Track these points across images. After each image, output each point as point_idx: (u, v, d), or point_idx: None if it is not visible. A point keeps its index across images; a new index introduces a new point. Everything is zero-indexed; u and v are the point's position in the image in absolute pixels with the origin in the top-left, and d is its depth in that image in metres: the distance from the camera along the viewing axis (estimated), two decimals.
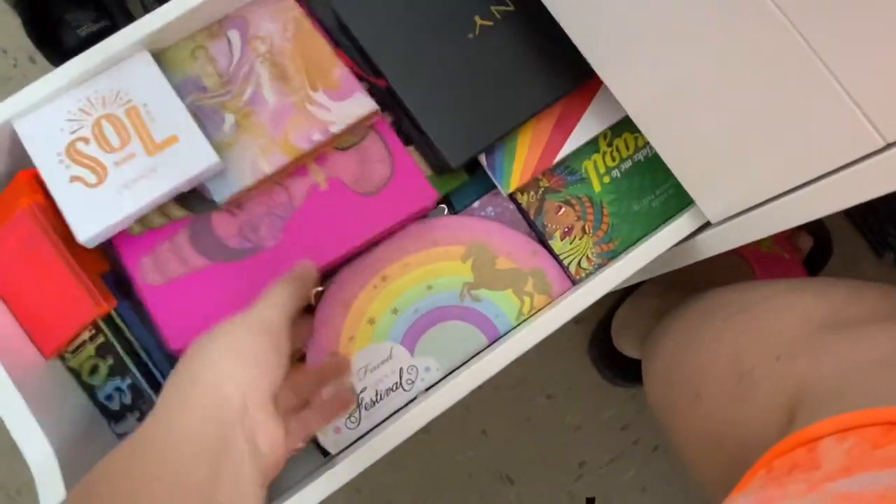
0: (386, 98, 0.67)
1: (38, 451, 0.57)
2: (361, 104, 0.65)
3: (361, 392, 0.65)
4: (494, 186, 0.69)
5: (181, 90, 0.63)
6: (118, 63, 0.63)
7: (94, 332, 0.66)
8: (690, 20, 0.49)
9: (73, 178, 0.60)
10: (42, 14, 0.95)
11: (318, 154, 0.65)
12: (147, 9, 0.95)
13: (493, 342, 0.67)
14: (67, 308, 0.62)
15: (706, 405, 0.60)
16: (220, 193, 0.62)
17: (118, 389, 0.67)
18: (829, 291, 0.60)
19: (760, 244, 0.97)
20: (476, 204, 0.69)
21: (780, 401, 0.53)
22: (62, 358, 0.67)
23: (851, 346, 0.53)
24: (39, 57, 1.01)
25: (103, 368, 0.67)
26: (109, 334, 0.65)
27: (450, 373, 0.66)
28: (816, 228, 1.06)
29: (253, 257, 0.63)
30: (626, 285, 0.68)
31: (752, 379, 0.56)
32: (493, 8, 0.66)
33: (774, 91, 0.48)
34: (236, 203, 0.64)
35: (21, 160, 0.63)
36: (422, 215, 0.68)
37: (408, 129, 0.67)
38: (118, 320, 0.65)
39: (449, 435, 1.04)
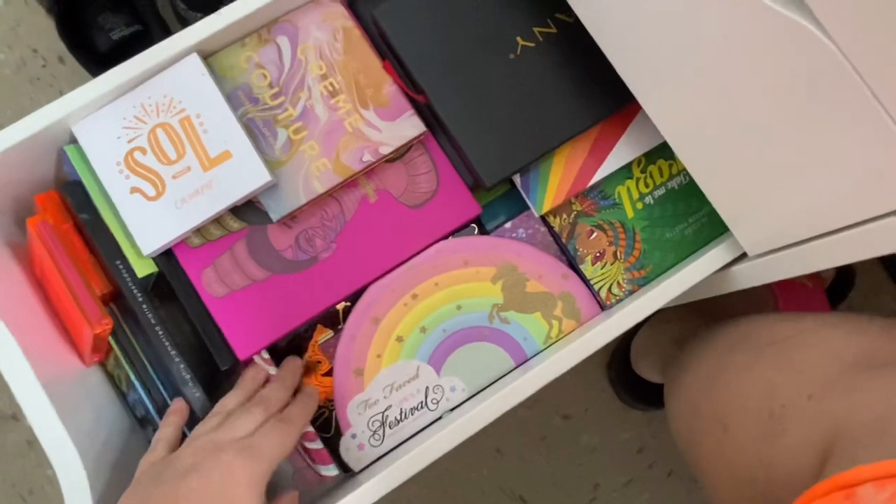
0: (425, 112, 0.66)
1: (64, 457, 0.57)
2: (411, 125, 0.65)
3: (386, 410, 0.65)
4: (526, 208, 0.69)
5: (232, 99, 0.64)
6: (169, 67, 0.63)
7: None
8: (738, 51, 0.48)
9: (133, 189, 0.61)
10: (75, 17, 0.95)
11: (368, 169, 0.66)
12: (180, 15, 0.95)
13: (520, 365, 0.66)
14: (77, 322, 0.62)
15: (735, 439, 0.59)
16: (276, 212, 0.63)
17: (137, 400, 0.66)
18: (861, 329, 0.59)
19: None
20: (508, 225, 0.69)
21: (813, 440, 0.52)
22: (103, 364, 0.67)
23: (888, 388, 0.52)
24: (69, 58, 1.01)
25: (123, 379, 0.67)
26: (118, 351, 0.65)
27: (475, 394, 0.66)
28: None
29: (310, 268, 0.64)
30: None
31: (783, 416, 0.55)
32: (535, 29, 0.66)
33: (826, 128, 0.47)
34: (291, 216, 0.64)
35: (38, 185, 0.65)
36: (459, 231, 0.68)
37: (445, 145, 0.67)
38: (130, 337, 0.65)
39: (463, 452, 1.01)
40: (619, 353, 1.05)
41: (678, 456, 0.70)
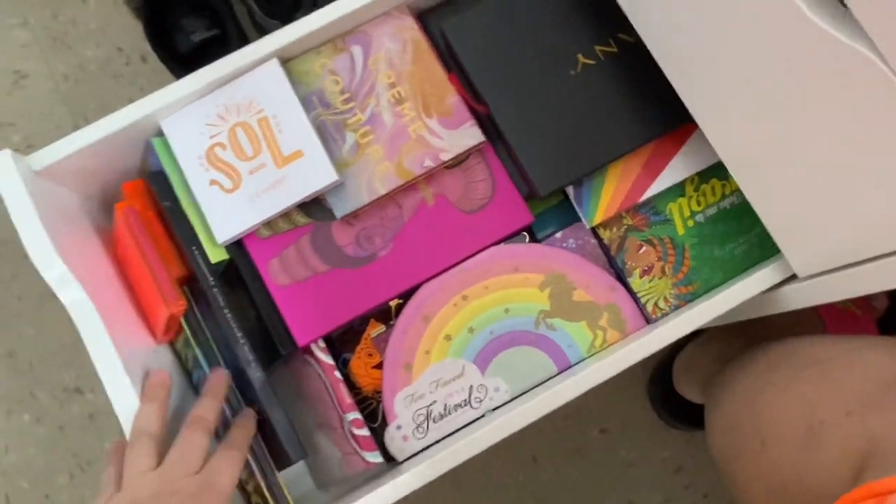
0: (485, 122, 0.69)
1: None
2: (471, 135, 0.68)
3: (431, 405, 0.67)
4: (578, 219, 0.71)
5: (306, 103, 0.68)
6: (251, 71, 0.67)
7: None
8: (799, 77, 0.50)
9: (212, 182, 0.66)
10: (160, 19, 1.01)
11: (427, 174, 0.69)
12: (257, 23, 1.00)
13: (563, 371, 0.68)
14: (153, 302, 0.66)
15: (773, 453, 0.61)
16: (340, 209, 0.67)
17: (201, 378, 0.70)
18: None
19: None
20: (559, 235, 0.71)
21: (850, 454, 0.53)
22: (172, 343, 0.71)
23: None
24: (150, 57, 1.07)
25: (189, 358, 0.70)
26: (188, 330, 0.69)
27: (517, 396, 0.68)
28: (894, 290, 1.04)
29: (368, 265, 0.68)
30: (705, 326, 0.68)
31: (821, 431, 0.56)
32: (597, 48, 0.68)
33: (881, 152, 0.48)
34: (353, 214, 0.68)
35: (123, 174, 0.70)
36: (511, 238, 0.71)
37: (502, 155, 0.70)
38: (200, 319, 0.69)
39: (500, 455, 1.04)
40: (660, 371, 1.05)
41: (716, 479, 0.71)
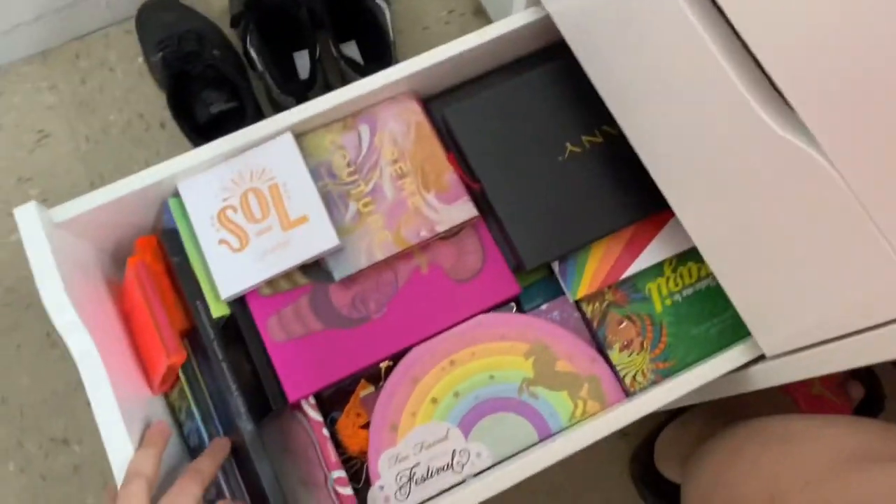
0: (479, 199, 0.74)
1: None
2: (465, 210, 0.73)
3: (414, 466, 0.69)
4: (562, 293, 0.75)
5: (314, 173, 0.73)
6: (267, 142, 0.73)
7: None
8: (755, 172, 0.54)
9: (221, 241, 0.70)
10: (183, 90, 1.08)
11: (423, 243, 0.73)
12: (273, 98, 1.08)
13: (544, 439, 0.70)
14: (154, 352, 0.69)
15: None
16: (339, 272, 0.71)
17: (193, 430, 0.73)
18: (864, 428, 0.63)
19: (811, 386, 0.98)
20: (544, 307, 0.75)
21: None
22: (167, 395, 0.74)
23: (877, 477, 0.56)
24: (169, 125, 1.14)
25: (183, 409, 0.73)
26: (184, 382, 0.72)
27: (499, 462, 0.70)
28: (870, 379, 1.06)
29: (362, 326, 0.71)
30: (677, 406, 0.70)
31: (783, 502, 0.59)
32: (584, 137, 0.74)
33: (833, 245, 0.52)
34: (351, 278, 0.72)
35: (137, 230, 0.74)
36: (498, 307, 0.74)
37: (493, 229, 0.75)
38: (197, 371, 0.72)
39: None
40: (642, 451, 1.06)
41: None
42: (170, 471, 0.69)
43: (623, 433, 0.69)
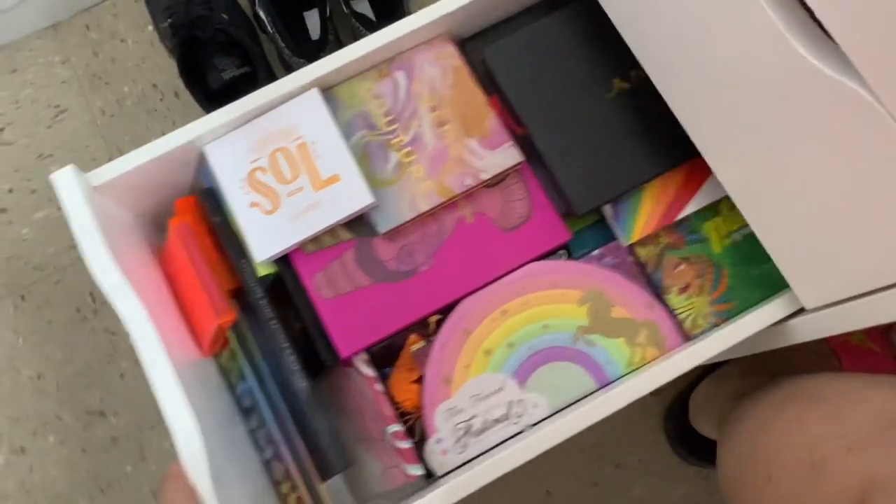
0: (523, 143, 0.72)
1: (190, 439, 0.60)
2: (510, 155, 0.71)
3: (471, 419, 0.68)
4: (614, 238, 0.72)
5: (352, 125, 0.71)
6: (292, 99, 0.70)
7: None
8: (794, 113, 0.51)
9: (252, 204, 0.68)
10: (194, 57, 1.06)
11: (467, 193, 0.71)
12: (285, 61, 1.05)
13: (601, 387, 0.69)
14: (203, 314, 0.68)
15: (777, 489, 0.61)
16: (383, 225, 0.69)
17: (245, 391, 0.71)
18: None
19: (851, 336, 0.94)
20: (595, 253, 0.72)
21: (849, 491, 0.54)
22: (217, 357, 0.73)
23: None
24: (183, 93, 1.13)
25: (235, 371, 0.72)
26: (235, 343, 0.71)
27: (556, 412, 0.69)
28: None
29: (409, 279, 0.70)
30: (711, 362, 0.68)
31: (823, 468, 0.57)
32: (631, 72, 0.71)
33: (876, 189, 0.49)
34: (395, 231, 0.70)
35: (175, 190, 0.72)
36: (549, 255, 0.72)
37: (540, 174, 0.72)
38: (246, 331, 0.70)
39: (514, 491, 1.04)
40: (676, 407, 1.05)
41: None
42: (224, 432, 0.67)
43: (656, 392, 0.68)
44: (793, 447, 0.61)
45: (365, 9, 1.09)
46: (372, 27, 1.00)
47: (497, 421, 0.68)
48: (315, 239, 0.70)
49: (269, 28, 1.03)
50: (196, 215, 0.71)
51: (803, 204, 0.56)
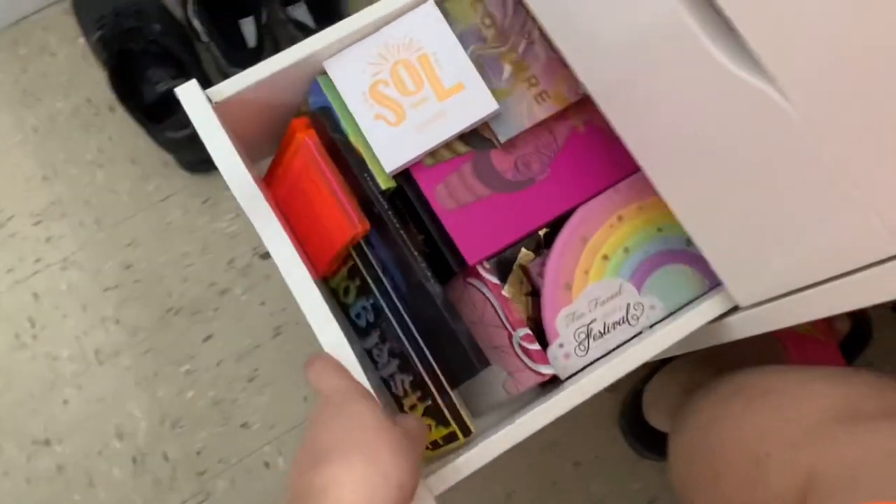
0: None
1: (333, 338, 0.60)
2: None
3: (591, 323, 0.71)
4: None
5: (463, 39, 0.73)
6: (409, 12, 0.72)
7: (346, 256, 0.70)
8: (713, 114, 0.52)
9: (377, 116, 0.69)
10: (127, 70, 1.03)
11: (578, 103, 0.74)
12: (222, 71, 1.04)
13: (714, 287, 0.72)
14: (333, 227, 0.68)
15: (724, 486, 0.63)
16: (504, 134, 0.71)
17: (364, 308, 0.70)
18: (849, 383, 0.62)
19: (797, 325, 1.02)
20: None
21: (792, 487, 0.55)
22: (325, 281, 0.70)
23: (864, 438, 0.54)
24: (118, 107, 1.07)
25: (353, 289, 0.70)
26: (357, 259, 0.70)
27: (672, 313, 0.72)
28: (855, 312, 0.98)
29: (527, 189, 0.72)
30: (658, 358, 0.71)
31: (768, 463, 0.58)
32: None
33: (796, 188, 0.50)
34: (511, 143, 0.72)
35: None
36: None
37: None
38: (366, 247, 0.70)
39: (473, 495, 1.04)
40: (630, 403, 1.06)
41: None
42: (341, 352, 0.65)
43: (610, 388, 0.71)
44: (738, 444, 0.64)
45: (303, 15, 1.10)
46: (310, 33, 1.01)
47: (616, 324, 0.71)
48: (433, 153, 0.71)
49: (203, 37, 1.03)
50: (311, 134, 0.70)
51: (732, 204, 0.57)
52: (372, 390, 0.56)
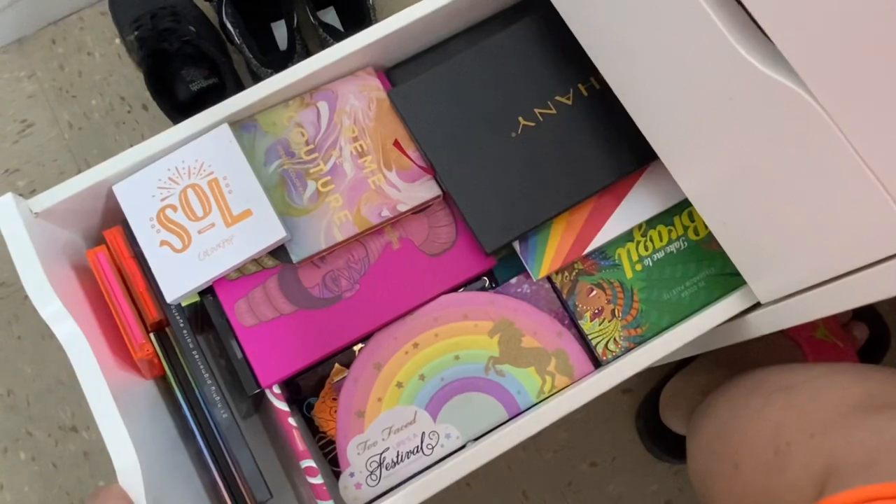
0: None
1: (126, 460, 0.61)
2: (428, 188, 0.71)
3: (384, 452, 0.69)
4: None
5: (270, 152, 0.71)
6: (203, 135, 0.71)
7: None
8: (741, 113, 0.52)
9: (163, 243, 0.69)
10: (161, 69, 1.07)
11: (384, 224, 0.72)
12: (253, 72, 1.06)
13: (513, 417, 0.70)
14: (126, 344, 0.69)
15: (744, 475, 0.63)
16: (297, 254, 0.70)
17: (183, 415, 0.73)
18: (867, 375, 0.62)
19: (814, 331, 0.95)
20: (513, 280, 0.73)
21: (813, 474, 0.56)
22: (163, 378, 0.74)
23: (883, 426, 0.55)
24: (151, 105, 1.14)
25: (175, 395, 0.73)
26: (168, 371, 0.72)
27: (469, 442, 0.70)
28: (873, 320, 1.04)
29: (333, 306, 0.70)
30: (676, 358, 0.68)
31: (787, 453, 0.59)
32: (536, 111, 0.71)
33: (820, 184, 0.50)
34: (320, 256, 0.71)
35: (114, 214, 0.72)
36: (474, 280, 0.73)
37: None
38: (180, 357, 0.72)
39: (489, 493, 1.05)
40: (647, 404, 1.06)
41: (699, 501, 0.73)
42: (167, 456, 0.69)
43: (625, 389, 0.66)
44: (758, 434, 0.63)
45: (332, 19, 1.10)
46: (339, 37, 1.00)
47: (410, 453, 0.70)
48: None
49: (236, 39, 1.04)
50: (124, 245, 0.72)
51: (754, 201, 0.57)
52: None
